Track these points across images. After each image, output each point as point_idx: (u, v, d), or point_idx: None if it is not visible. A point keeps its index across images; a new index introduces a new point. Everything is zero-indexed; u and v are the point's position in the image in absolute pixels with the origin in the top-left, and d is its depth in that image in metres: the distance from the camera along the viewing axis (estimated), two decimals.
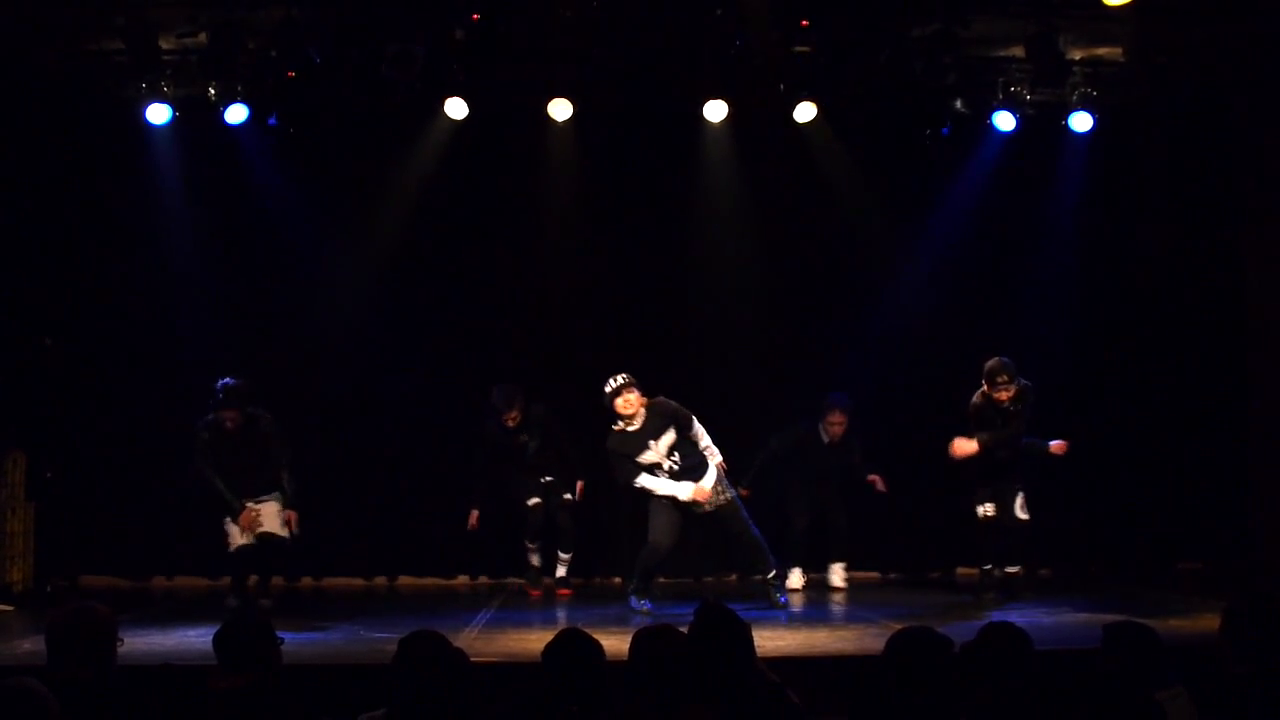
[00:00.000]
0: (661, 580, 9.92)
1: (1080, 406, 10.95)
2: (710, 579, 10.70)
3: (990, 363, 9.18)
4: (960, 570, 10.60)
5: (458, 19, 9.46)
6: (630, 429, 8.65)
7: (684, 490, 8.60)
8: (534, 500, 9.97)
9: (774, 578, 8.93)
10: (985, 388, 9.18)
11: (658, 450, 8.67)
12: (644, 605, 8.68)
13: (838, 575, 10.22)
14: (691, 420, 8.86)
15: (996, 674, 4.37)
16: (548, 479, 10.03)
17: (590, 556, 10.52)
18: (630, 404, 8.61)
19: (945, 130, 10.52)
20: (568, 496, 10.02)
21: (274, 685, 4.42)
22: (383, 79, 9.44)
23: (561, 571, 10.13)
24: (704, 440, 8.89)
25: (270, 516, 9.00)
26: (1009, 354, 10.20)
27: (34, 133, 10.26)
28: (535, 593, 10.00)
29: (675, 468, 8.69)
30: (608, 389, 8.66)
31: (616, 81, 10.18)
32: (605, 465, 8.94)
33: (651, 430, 8.67)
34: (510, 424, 9.74)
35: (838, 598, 9.76)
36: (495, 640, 7.54)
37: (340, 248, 10.69)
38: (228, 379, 9.00)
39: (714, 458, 8.86)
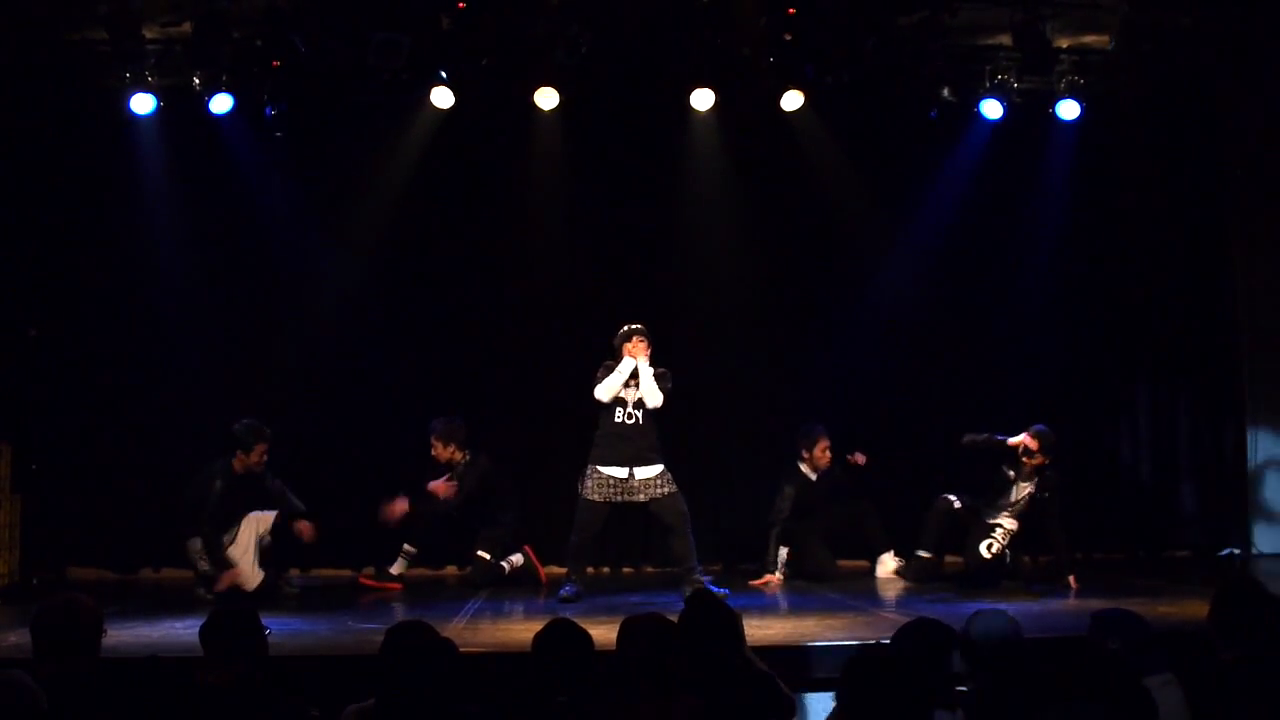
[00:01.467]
0: (650, 570, 9.93)
1: (1067, 393, 10.98)
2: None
3: (1040, 428, 9.22)
4: (948, 558, 10.58)
5: (443, 7, 9.42)
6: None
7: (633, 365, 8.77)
8: (484, 554, 9.77)
9: (695, 577, 8.76)
10: (1028, 439, 9.19)
11: (627, 393, 8.79)
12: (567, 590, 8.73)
13: (890, 561, 10.07)
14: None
15: (985, 661, 4.38)
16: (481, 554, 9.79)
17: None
18: (636, 350, 8.79)
19: (933, 114, 10.48)
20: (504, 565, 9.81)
21: (261, 677, 4.41)
22: (368, 68, 9.41)
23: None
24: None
25: (264, 523, 9.05)
26: (996, 339, 10.29)
27: (16, 122, 10.20)
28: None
29: (630, 420, 8.77)
30: (623, 329, 8.84)
31: (603, 70, 10.16)
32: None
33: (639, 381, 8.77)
34: (438, 458, 9.74)
35: (892, 586, 9.66)
36: (484, 630, 7.52)
37: (326, 237, 10.63)
38: (248, 420, 9.07)
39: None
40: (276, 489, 9.25)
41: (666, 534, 8.94)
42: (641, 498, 8.79)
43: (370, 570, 9.98)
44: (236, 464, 9.04)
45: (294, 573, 9.73)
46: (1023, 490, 9.34)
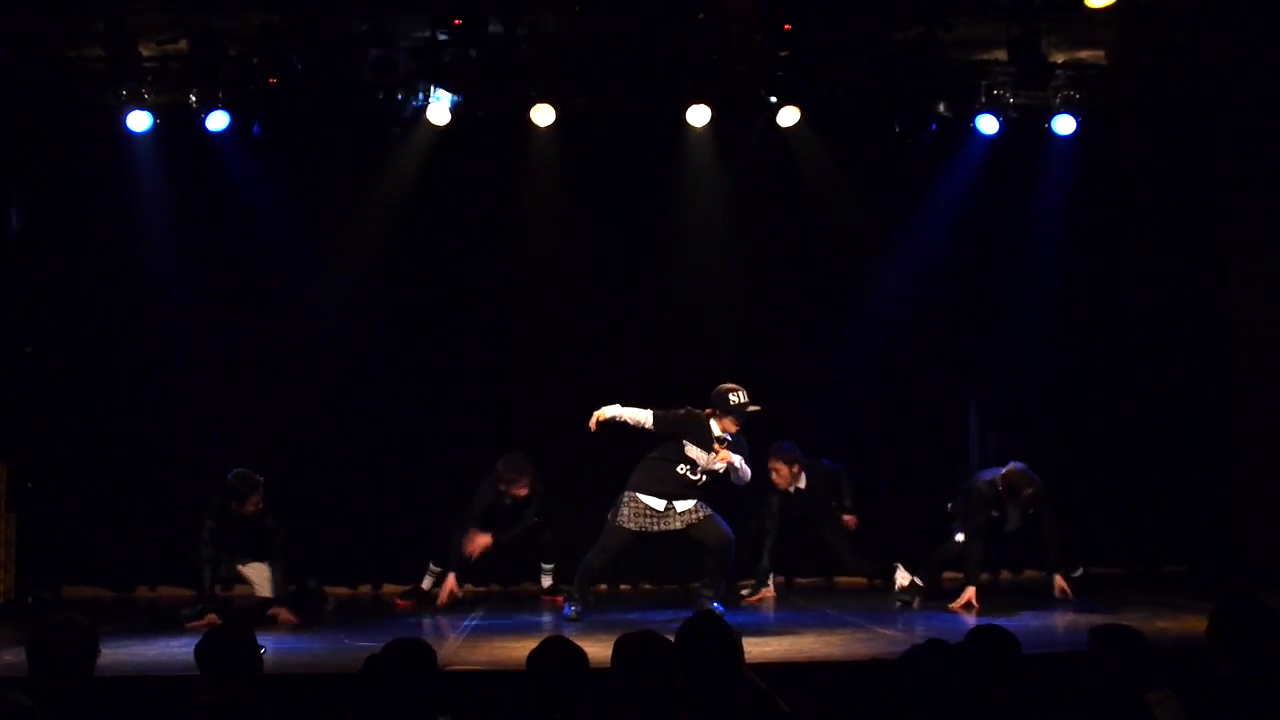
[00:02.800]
0: (647, 587, 9.91)
1: (1064, 409, 10.98)
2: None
3: (1013, 476, 8.97)
4: (946, 574, 10.57)
5: (440, 25, 9.43)
6: (712, 427, 8.45)
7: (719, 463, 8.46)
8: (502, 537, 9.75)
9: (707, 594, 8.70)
10: (1006, 496, 9.04)
11: (705, 460, 8.48)
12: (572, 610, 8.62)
13: (902, 575, 9.77)
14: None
15: (985, 677, 4.36)
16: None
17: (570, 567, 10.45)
18: (731, 428, 8.40)
19: (933, 127, 10.48)
20: (538, 519, 9.79)
21: (256, 695, 4.40)
22: (365, 85, 9.42)
23: (547, 582, 10.06)
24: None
25: (259, 577, 8.95)
26: (992, 354, 10.28)
27: (13, 139, 10.22)
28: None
29: (695, 482, 8.55)
30: (737, 401, 8.38)
31: (599, 87, 10.18)
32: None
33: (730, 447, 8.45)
34: (518, 496, 9.56)
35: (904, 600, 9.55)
36: (479, 648, 7.50)
37: (323, 254, 10.63)
38: (239, 469, 8.81)
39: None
40: (277, 536, 8.94)
41: (706, 553, 8.75)
42: (678, 525, 8.59)
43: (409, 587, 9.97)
44: (234, 507, 8.80)
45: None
46: (1015, 519, 9.26)
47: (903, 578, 9.64)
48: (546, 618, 8.87)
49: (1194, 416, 11.16)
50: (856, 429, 10.57)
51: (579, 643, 4.46)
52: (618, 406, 8.43)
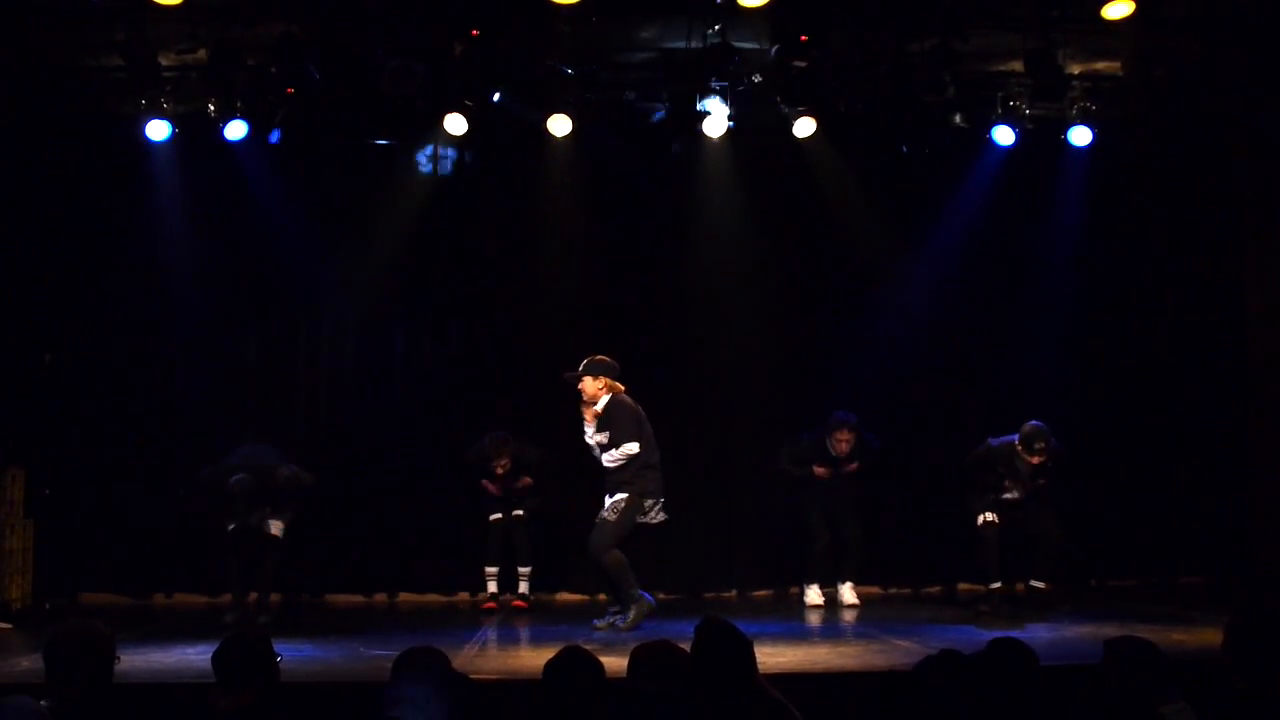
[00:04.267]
0: (661, 596, 9.89)
1: (1080, 420, 10.95)
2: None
3: (1028, 429, 9.20)
4: (961, 585, 10.57)
5: (457, 35, 9.46)
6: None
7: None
8: (495, 515, 9.97)
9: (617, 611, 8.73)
10: (1020, 448, 9.23)
11: (591, 437, 8.79)
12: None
13: (849, 593, 10.10)
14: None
15: (1004, 690, 4.36)
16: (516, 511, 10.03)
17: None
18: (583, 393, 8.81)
19: (948, 138, 10.50)
20: (519, 513, 9.98)
21: (273, 703, 4.41)
22: (382, 95, 9.45)
23: (524, 587, 10.07)
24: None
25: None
26: (1008, 366, 10.28)
27: (34, 148, 10.28)
28: (490, 605, 9.94)
29: (603, 464, 8.74)
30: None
31: (616, 97, 10.19)
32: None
33: (599, 422, 8.76)
34: (499, 471, 9.86)
35: (848, 615, 9.68)
36: (495, 658, 7.52)
37: (339, 263, 10.68)
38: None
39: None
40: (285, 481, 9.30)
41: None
42: (660, 519, 8.76)
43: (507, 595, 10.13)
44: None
45: (304, 597, 9.80)
46: (1019, 487, 9.41)
47: (812, 598, 9.95)
48: (561, 629, 8.88)
49: (1211, 428, 11.11)
50: (871, 439, 10.55)
51: (595, 653, 4.48)
52: None
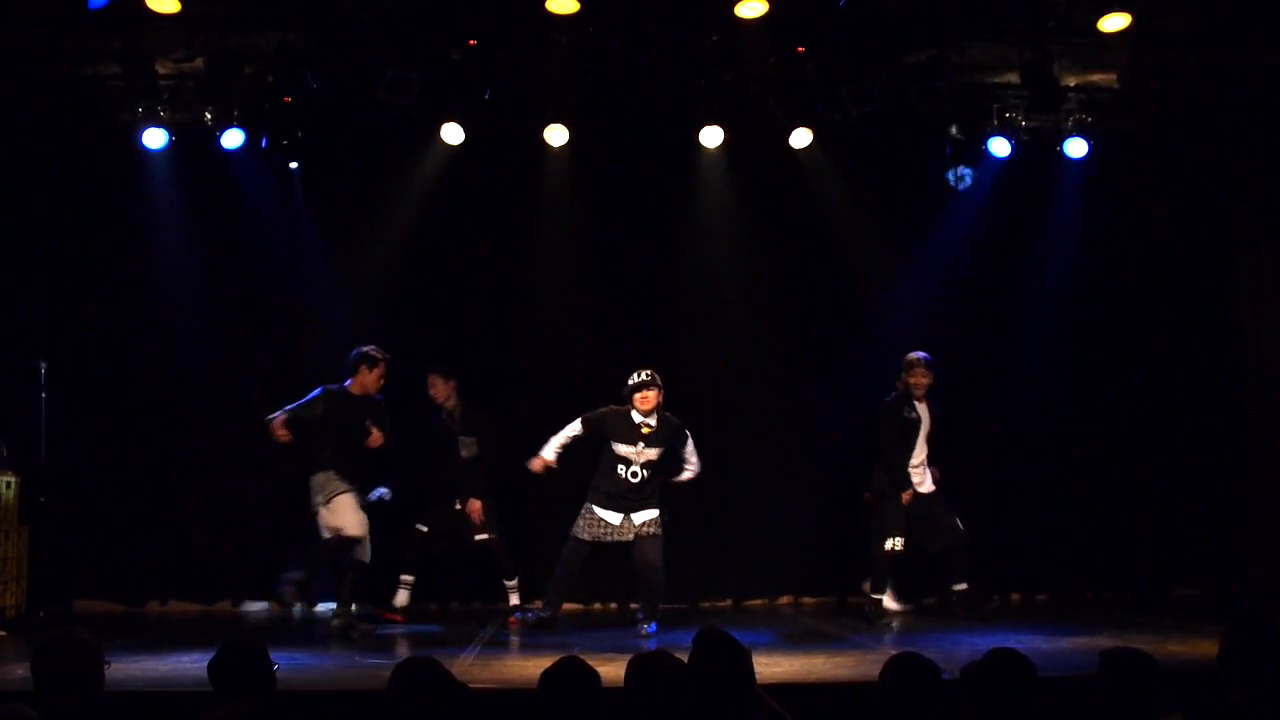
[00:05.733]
0: (664, 606, 9.91)
1: (1075, 431, 10.97)
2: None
3: (908, 357, 9.63)
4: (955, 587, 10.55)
5: (454, 44, 9.48)
6: (633, 417, 8.80)
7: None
8: (421, 526, 9.94)
9: (645, 620, 8.86)
10: (907, 377, 9.61)
11: (639, 452, 8.78)
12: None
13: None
14: (686, 442, 9.00)
15: (1000, 700, 4.35)
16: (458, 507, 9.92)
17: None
18: (648, 400, 8.79)
19: (945, 149, 10.51)
20: (458, 507, 9.87)
21: (269, 712, 4.40)
22: (379, 104, 9.46)
23: (515, 599, 10.01)
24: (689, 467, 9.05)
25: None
26: (1002, 378, 10.30)
27: (30, 156, 10.30)
28: (399, 619, 9.81)
29: (639, 485, 8.76)
30: (632, 381, 8.82)
31: (612, 107, 10.21)
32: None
33: (654, 437, 8.78)
34: (436, 399, 9.88)
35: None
36: (491, 666, 7.50)
37: (337, 271, 10.69)
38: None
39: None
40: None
41: (634, 572, 9.00)
42: (629, 537, 8.85)
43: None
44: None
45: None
46: (926, 419, 9.64)
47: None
48: (557, 638, 8.87)
49: (1206, 440, 11.13)
50: (868, 449, 10.54)
51: (591, 663, 4.47)
52: (552, 439, 8.92)
